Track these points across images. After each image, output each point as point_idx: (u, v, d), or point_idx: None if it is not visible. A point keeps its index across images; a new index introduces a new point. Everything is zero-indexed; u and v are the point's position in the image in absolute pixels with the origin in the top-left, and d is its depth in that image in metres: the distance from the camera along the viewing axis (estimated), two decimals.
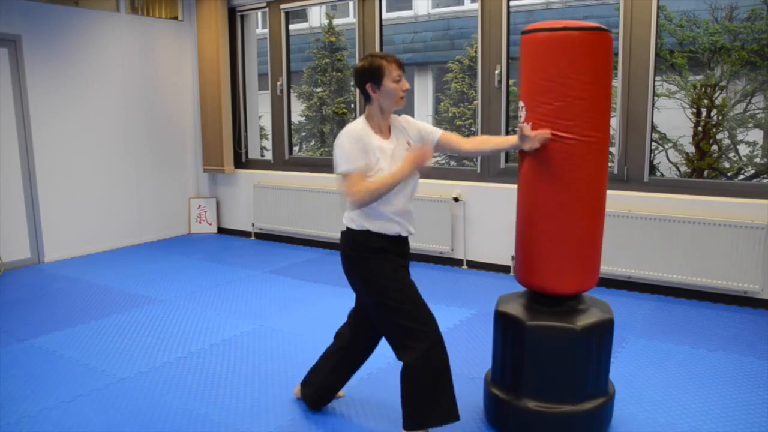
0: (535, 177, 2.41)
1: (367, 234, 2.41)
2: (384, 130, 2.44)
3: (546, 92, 2.32)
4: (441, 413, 2.38)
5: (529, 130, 2.39)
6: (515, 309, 2.50)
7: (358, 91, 5.62)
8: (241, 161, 6.67)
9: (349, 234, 2.45)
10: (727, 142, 7.62)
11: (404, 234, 2.48)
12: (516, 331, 2.45)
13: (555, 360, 2.40)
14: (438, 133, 2.59)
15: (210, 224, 6.82)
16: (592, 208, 2.42)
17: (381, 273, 2.39)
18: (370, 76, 2.38)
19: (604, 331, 2.44)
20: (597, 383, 2.46)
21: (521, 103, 2.45)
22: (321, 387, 2.76)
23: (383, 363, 3.22)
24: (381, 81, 2.37)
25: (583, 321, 2.40)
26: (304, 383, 2.82)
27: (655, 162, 7.75)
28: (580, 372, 2.41)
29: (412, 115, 2.69)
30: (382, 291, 2.38)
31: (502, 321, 2.52)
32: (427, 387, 2.35)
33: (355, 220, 2.43)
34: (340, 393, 2.87)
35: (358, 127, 2.39)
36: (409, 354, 2.35)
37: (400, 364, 2.41)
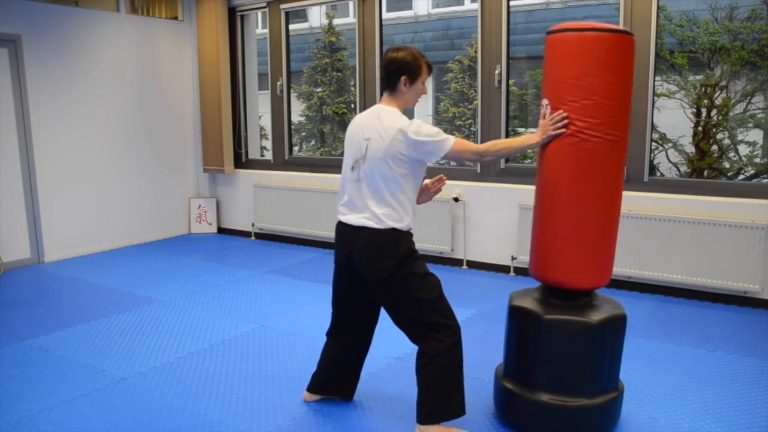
0: (557, 174, 2.44)
1: (408, 233, 2.45)
2: None
3: (573, 91, 2.36)
4: (456, 406, 2.45)
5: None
6: (531, 304, 2.53)
7: (358, 90, 5.64)
8: (241, 161, 6.67)
9: (396, 234, 2.41)
10: (727, 142, 7.61)
11: None
12: (533, 326, 2.48)
13: (571, 354, 2.44)
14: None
15: (210, 224, 6.82)
16: (611, 205, 2.47)
17: (422, 270, 2.44)
18: (410, 70, 2.40)
19: (618, 325, 2.49)
20: (610, 378, 2.50)
21: (545, 101, 2.48)
22: (348, 380, 2.79)
23: (383, 363, 3.23)
24: (417, 79, 2.42)
25: (599, 315, 2.44)
26: (322, 387, 2.82)
27: (655, 162, 7.75)
28: (595, 366, 2.45)
29: (413, 115, 2.71)
30: (422, 288, 2.41)
31: (518, 316, 2.55)
32: (448, 380, 2.42)
33: (402, 219, 2.41)
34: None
35: (415, 120, 2.40)
36: (437, 345, 2.40)
37: (406, 360, 2.44)
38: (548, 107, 2.45)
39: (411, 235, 2.47)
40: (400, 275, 2.40)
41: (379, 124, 2.40)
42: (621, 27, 2.36)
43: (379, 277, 2.42)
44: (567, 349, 2.44)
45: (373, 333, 2.76)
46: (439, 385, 2.42)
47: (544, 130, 2.41)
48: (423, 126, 2.36)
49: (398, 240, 2.41)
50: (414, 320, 2.44)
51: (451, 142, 2.36)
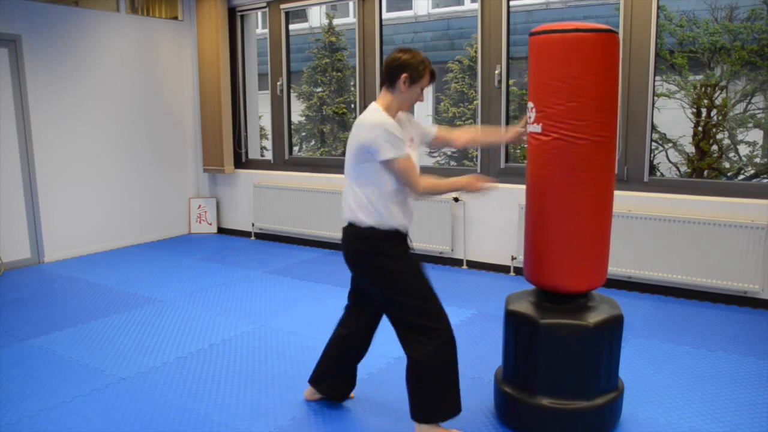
0: (546, 177, 2.43)
1: (387, 232, 2.42)
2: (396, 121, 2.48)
3: (558, 93, 2.34)
4: (447, 408, 2.44)
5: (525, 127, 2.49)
6: (526, 308, 2.53)
7: (358, 90, 5.64)
8: (241, 161, 6.67)
9: (368, 231, 2.41)
10: (727, 142, 7.62)
11: (408, 230, 2.54)
12: (529, 330, 2.47)
13: (569, 357, 2.43)
14: (434, 131, 2.68)
15: (210, 224, 6.82)
16: (602, 206, 2.46)
17: (404, 271, 2.42)
18: (413, 70, 2.39)
19: (614, 326, 2.48)
20: (609, 379, 2.50)
21: (530, 104, 2.46)
22: (338, 379, 2.78)
23: (383, 363, 3.22)
24: (417, 81, 2.41)
25: (595, 318, 2.44)
26: (317, 381, 2.82)
27: (655, 162, 7.76)
28: (594, 368, 2.44)
29: (413, 115, 2.71)
30: (403, 290, 2.40)
31: (514, 320, 2.54)
32: (436, 382, 2.40)
33: (375, 216, 2.40)
34: (351, 394, 2.88)
35: (387, 117, 2.37)
36: (420, 349, 2.39)
37: (405, 359, 2.44)
38: (533, 110, 2.44)
39: (393, 234, 2.42)
40: (382, 276, 2.41)
41: (358, 120, 2.44)
42: (605, 26, 2.34)
43: (360, 274, 2.48)
44: (565, 353, 2.43)
45: (376, 327, 2.73)
46: (428, 389, 2.41)
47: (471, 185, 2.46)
48: (378, 124, 2.31)
49: (372, 238, 2.40)
50: (399, 322, 2.45)
51: (392, 155, 2.30)
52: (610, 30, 2.34)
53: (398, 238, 2.45)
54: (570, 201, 2.40)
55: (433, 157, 11.27)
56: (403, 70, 2.39)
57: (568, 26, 2.32)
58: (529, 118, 2.48)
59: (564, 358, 2.43)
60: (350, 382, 2.82)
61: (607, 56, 2.33)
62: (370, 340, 2.76)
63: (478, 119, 5.12)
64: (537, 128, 2.42)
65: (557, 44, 2.33)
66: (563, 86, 2.32)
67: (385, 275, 2.42)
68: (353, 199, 2.43)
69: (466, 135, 2.72)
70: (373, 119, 2.35)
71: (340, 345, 2.75)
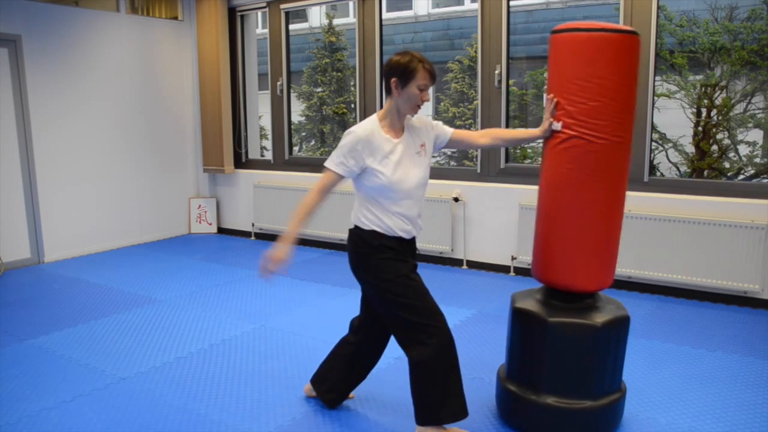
0: (562, 176, 2.42)
1: (374, 234, 2.43)
2: (397, 129, 2.44)
3: (581, 92, 2.34)
4: (451, 410, 2.40)
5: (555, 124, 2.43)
6: (534, 306, 2.52)
7: (358, 90, 5.64)
8: (241, 161, 6.67)
9: (357, 232, 2.47)
10: (727, 142, 7.62)
11: (410, 236, 2.50)
12: (536, 328, 2.47)
13: (575, 356, 2.43)
14: (449, 132, 2.60)
15: (210, 224, 6.82)
16: (615, 206, 2.46)
17: (389, 271, 2.41)
18: (401, 73, 2.34)
19: (621, 327, 2.48)
20: (613, 379, 2.50)
21: (550, 96, 2.44)
22: (338, 385, 2.76)
23: (383, 363, 3.22)
24: (408, 82, 2.34)
25: (603, 317, 2.44)
26: (317, 381, 2.82)
27: (655, 162, 7.75)
28: (600, 368, 2.44)
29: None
30: (390, 288, 2.39)
31: (521, 318, 2.54)
32: (438, 383, 2.38)
33: (363, 220, 2.45)
34: (351, 394, 2.87)
35: (366, 128, 2.37)
36: (420, 350, 2.37)
37: (406, 361, 2.43)
38: (553, 102, 2.42)
39: (375, 234, 2.42)
40: (369, 274, 2.44)
41: None
42: (628, 27, 2.34)
43: (357, 275, 2.51)
44: (572, 352, 2.43)
45: (387, 336, 2.71)
46: (431, 390, 2.38)
47: None
48: (347, 136, 2.38)
49: (358, 238, 2.46)
50: (396, 322, 2.43)
51: (326, 164, 2.42)
52: (634, 32, 2.34)
53: (398, 243, 2.45)
54: (586, 200, 2.40)
55: (434, 156, 11.26)
56: (392, 74, 2.36)
57: (593, 25, 2.32)
58: (548, 110, 2.46)
59: (571, 357, 2.43)
60: (351, 387, 2.81)
61: (630, 57, 2.34)
62: (381, 350, 2.75)
63: (478, 119, 5.13)
64: (557, 126, 2.42)
65: (584, 43, 2.32)
66: (588, 85, 2.32)
67: (378, 274, 2.42)
68: (357, 203, 2.50)
69: (487, 135, 2.65)
70: (352, 128, 2.40)
71: (348, 352, 2.73)
